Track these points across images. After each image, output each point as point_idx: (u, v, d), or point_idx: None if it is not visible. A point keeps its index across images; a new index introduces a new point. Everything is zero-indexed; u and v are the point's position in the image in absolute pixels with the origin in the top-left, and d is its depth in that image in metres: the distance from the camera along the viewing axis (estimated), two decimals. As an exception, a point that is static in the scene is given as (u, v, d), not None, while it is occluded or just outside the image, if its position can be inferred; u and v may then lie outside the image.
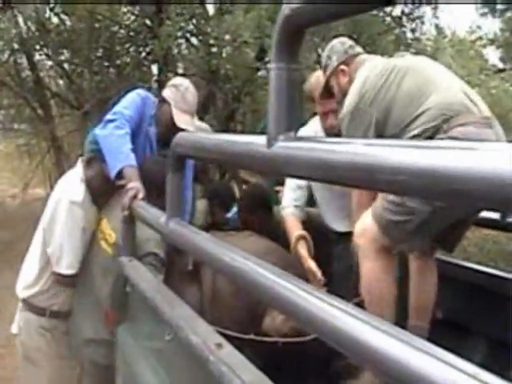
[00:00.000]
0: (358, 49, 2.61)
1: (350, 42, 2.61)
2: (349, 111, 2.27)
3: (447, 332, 2.34)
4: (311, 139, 1.18)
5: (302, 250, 2.79)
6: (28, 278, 2.83)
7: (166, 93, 2.90)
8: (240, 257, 1.40)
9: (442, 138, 1.96)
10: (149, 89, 2.92)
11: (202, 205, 3.47)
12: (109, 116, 2.75)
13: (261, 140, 1.24)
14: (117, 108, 2.79)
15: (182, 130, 2.70)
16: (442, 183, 0.79)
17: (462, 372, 0.76)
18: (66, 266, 2.71)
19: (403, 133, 2.09)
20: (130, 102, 2.84)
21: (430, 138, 1.99)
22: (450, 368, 0.78)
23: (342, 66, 2.54)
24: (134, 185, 2.44)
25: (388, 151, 0.93)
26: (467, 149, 0.81)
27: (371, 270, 2.13)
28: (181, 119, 2.81)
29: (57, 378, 2.81)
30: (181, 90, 2.88)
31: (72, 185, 2.78)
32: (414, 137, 2.03)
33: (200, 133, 2.69)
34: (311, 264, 2.72)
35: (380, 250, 2.12)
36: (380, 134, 2.17)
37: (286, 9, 1.13)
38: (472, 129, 1.97)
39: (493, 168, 0.71)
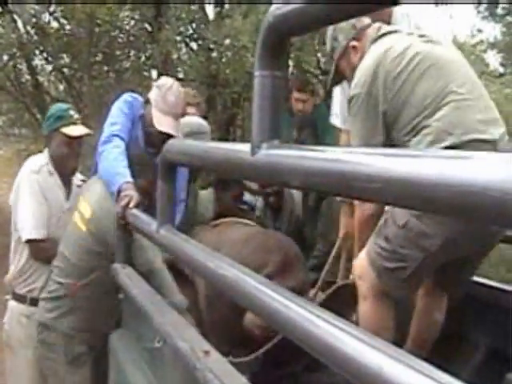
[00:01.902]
0: (367, 20, 2.26)
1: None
2: (356, 95, 2.03)
3: (447, 343, 2.32)
4: (294, 147, 1.17)
5: None
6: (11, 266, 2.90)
7: (151, 93, 2.83)
8: (225, 264, 1.41)
9: None
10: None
11: (208, 195, 3.47)
12: (103, 137, 2.71)
13: (245, 148, 1.23)
14: (106, 127, 2.75)
15: (165, 132, 2.68)
16: (415, 191, 0.78)
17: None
18: (31, 229, 2.75)
19: (411, 138, 1.94)
20: (116, 114, 2.79)
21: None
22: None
23: (353, 42, 2.24)
24: (127, 193, 2.42)
25: (368, 159, 0.92)
26: (441, 157, 0.80)
27: (369, 314, 2.05)
28: (161, 121, 2.71)
29: (35, 366, 2.80)
30: (162, 91, 2.78)
31: (31, 160, 2.93)
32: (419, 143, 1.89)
33: (189, 140, 2.66)
34: None
35: (378, 294, 2.02)
36: (388, 130, 2.00)
37: (269, 16, 1.12)
38: None
39: (464, 176, 0.70)
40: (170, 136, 2.65)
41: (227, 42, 8.24)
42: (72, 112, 2.77)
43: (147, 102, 2.82)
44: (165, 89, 2.78)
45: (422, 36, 2.08)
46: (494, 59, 15.31)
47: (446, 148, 1.81)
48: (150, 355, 2.12)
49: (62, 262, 2.62)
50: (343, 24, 2.23)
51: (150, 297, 2.14)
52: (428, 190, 0.75)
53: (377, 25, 2.23)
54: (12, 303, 2.90)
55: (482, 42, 14.63)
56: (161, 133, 2.67)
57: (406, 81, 1.93)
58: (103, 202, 2.53)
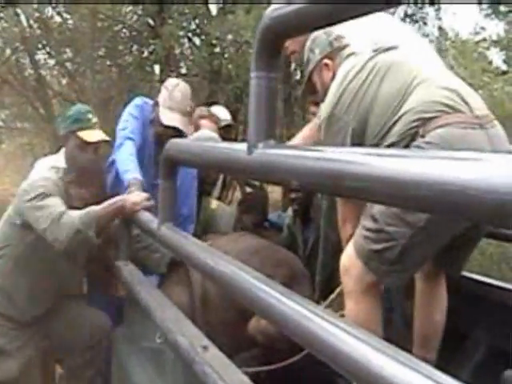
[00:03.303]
0: (346, 40, 2.29)
1: (337, 33, 2.28)
2: (324, 118, 2.05)
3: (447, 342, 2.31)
4: (289, 147, 1.20)
5: None
6: None
7: (159, 95, 2.93)
8: (224, 261, 1.43)
9: (418, 145, 1.76)
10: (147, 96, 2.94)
11: (231, 210, 3.55)
12: (117, 141, 2.80)
13: (242, 147, 1.26)
14: (118, 132, 2.83)
15: (174, 128, 2.76)
16: (401, 189, 0.81)
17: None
18: None
19: (381, 143, 1.90)
20: (126, 118, 2.87)
21: (408, 145, 1.81)
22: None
23: (326, 60, 2.27)
24: (138, 192, 2.49)
25: (361, 158, 0.94)
26: (429, 157, 0.83)
27: (355, 312, 1.96)
28: (167, 117, 2.81)
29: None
30: (169, 89, 2.89)
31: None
32: (392, 144, 1.85)
33: (190, 139, 2.70)
34: None
35: (365, 290, 1.94)
36: (359, 144, 1.95)
37: (266, 17, 1.14)
38: (454, 130, 1.75)
39: (446, 176, 0.73)
40: (179, 133, 2.75)
41: (230, 37, 8.26)
42: (90, 116, 2.72)
43: (156, 104, 2.90)
44: (171, 87, 2.89)
45: (379, 48, 2.09)
46: (496, 57, 15.25)
47: (417, 121, 1.79)
48: (151, 351, 2.16)
49: None
50: (322, 38, 2.29)
51: (151, 293, 2.17)
52: (412, 188, 0.78)
53: (352, 48, 2.25)
54: None
55: (484, 39, 14.57)
56: (168, 128, 2.76)
57: (367, 91, 1.94)
58: (31, 176, 2.57)
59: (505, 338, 2.18)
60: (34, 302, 2.58)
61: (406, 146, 1.81)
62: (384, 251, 1.85)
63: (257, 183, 4.04)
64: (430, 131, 1.75)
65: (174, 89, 2.88)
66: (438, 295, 2.24)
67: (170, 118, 2.81)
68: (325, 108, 2.06)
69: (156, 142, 2.93)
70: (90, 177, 2.64)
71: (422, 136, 1.76)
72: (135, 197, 2.45)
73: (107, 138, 2.67)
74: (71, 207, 2.42)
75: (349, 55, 2.21)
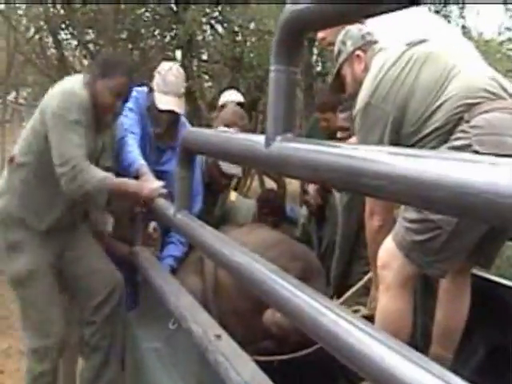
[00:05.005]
0: (377, 37, 2.35)
1: (367, 29, 2.36)
2: (360, 108, 2.07)
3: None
4: (307, 141, 1.21)
5: None
6: None
7: (153, 82, 2.97)
8: (240, 252, 1.45)
9: (463, 130, 1.79)
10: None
11: (249, 205, 3.59)
12: (118, 139, 2.83)
13: (260, 139, 1.27)
14: (119, 127, 2.86)
15: (170, 111, 2.85)
16: (417, 189, 0.82)
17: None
18: None
19: (422, 129, 1.92)
20: (125, 114, 2.89)
21: (452, 130, 1.84)
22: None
23: (358, 52, 2.32)
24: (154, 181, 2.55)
25: (377, 156, 0.95)
26: (447, 159, 0.83)
27: (391, 307, 1.97)
28: (162, 100, 2.86)
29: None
30: (162, 74, 2.94)
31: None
32: (435, 130, 1.88)
33: (207, 130, 2.72)
34: None
35: (404, 284, 1.95)
36: (397, 132, 1.99)
37: (287, 11, 1.15)
38: (498, 115, 1.78)
39: (462, 178, 0.74)
40: (175, 116, 2.89)
41: (252, 25, 8.22)
42: None
43: (151, 90, 2.96)
44: (164, 71, 2.94)
45: (412, 42, 2.12)
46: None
47: (462, 106, 1.83)
48: (165, 336, 2.18)
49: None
50: (355, 31, 2.36)
51: (166, 280, 2.20)
52: (429, 189, 0.79)
53: (383, 44, 2.29)
54: None
55: (509, 39, 14.39)
56: (163, 111, 2.84)
57: (405, 80, 1.97)
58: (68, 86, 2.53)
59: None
60: (49, 212, 2.59)
61: (450, 131, 1.85)
62: (428, 241, 1.87)
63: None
64: (474, 116, 1.79)
65: (167, 73, 2.93)
66: (463, 294, 2.24)
67: (165, 102, 2.86)
68: (360, 100, 2.08)
69: (154, 125, 2.99)
70: None
71: (467, 121, 1.80)
72: (152, 184, 2.47)
73: None
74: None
75: (381, 49, 2.25)
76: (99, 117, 2.53)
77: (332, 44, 2.74)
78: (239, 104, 4.55)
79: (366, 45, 2.33)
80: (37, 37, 9.83)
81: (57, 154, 2.37)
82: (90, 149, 2.46)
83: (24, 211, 2.56)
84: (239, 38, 8.81)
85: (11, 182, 2.59)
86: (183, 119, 3.12)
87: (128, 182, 2.51)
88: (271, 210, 3.42)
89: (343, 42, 2.39)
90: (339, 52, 2.41)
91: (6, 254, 2.59)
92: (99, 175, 2.38)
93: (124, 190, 2.48)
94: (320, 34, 2.86)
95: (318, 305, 1.06)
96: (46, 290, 2.59)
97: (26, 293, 2.59)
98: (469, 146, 1.75)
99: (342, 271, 2.97)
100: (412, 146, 1.98)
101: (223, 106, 4.61)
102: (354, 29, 2.37)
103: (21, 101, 20.24)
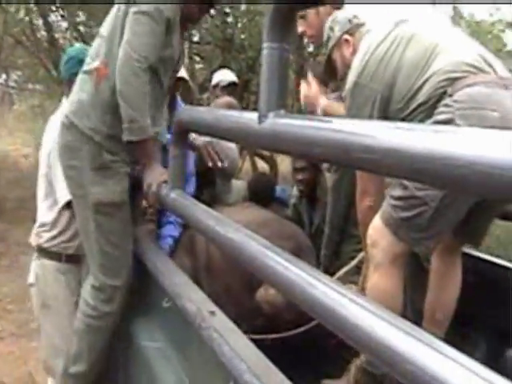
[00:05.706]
0: (364, 20, 2.42)
1: (353, 13, 2.42)
2: (349, 88, 2.10)
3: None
4: (300, 117, 1.22)
5: None
6: (41, 224, 2.76)
7: None
8: (233, 229, 1.46)
9: (447, 104, 1.80)
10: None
11: (241, 185, 3.60)
12: None
13: (252, 116, 1.28)
14: None
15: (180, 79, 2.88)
16: (408, 162, 0.84)
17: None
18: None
19: (409, 105, 1.94)
20: None
21: (436, 104, 1.86)
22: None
23: (346, 36, 2.41)
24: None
25: (369, 131, 0.96)
26: (439, 131, 0.85)
27: (380, 283, 1.99)
28: None
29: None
30: None
31: (55, 122, 2.64)
32: (419, 106, 1.90)
33: (200, 107, 2.72)
34: None
35: (393, 261, 1.96)
36: (385, 110, 2.01)
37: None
38: (481, 89, 1.78)
39: (452, 150, 0.76)
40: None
41: (243, 7, 8.17)
42: None
43: None
44: None
45: (398, 21, 2.14)
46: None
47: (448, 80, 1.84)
48: (159, 315, 2.19)
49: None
50: (341, 16, 2.43)
51: (160, 259, 2.21)
52: (421, 162, 0.81)
53: (370, 26, 2.35)
54: (44, 261, 2.77)
55: (500, 20, 14.34)
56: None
57: (391, 58, 1.99)
58: None
59: (508, 318, 2.21)
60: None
61: (434, 106, 1.87)
62: (414, 218, 1.88)
63: (267, 153, 4.05)
64: (457, 90, 1.80)
65: None
66: (454, 273, 2.27)
67: None
68: (349, 81, 2.11)
69: None
70: None
71: (450, 95, 1.81)
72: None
73: None
74: None
75: (368, 31, 2.30)
76: None
77: (313, 37, 2.90)
78: (233, 83, 4.54)
79: (354, 28, 2.41)
80: (27, 19, 9.72)
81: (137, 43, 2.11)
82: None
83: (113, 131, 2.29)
84: (230, 19, 8.77)
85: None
86: (179, 100, 3.11)
87: (155, 163, 2.29)
88: (262, 196, 3.44)
89: (331, 28, 2.46)
90: (328, 38, 2.48)
91: (97, 176, 2.31)
92: (149, 117, 2.15)
93: (145, 158, 2.28)
94: (300, 28, 2.89)
95: (310, 278, 1.08)
96: (125, 221, 2.40)
97: (105, 219, 2.34)
98: (452, 120, 1.76)
99: (332, 251, 3.00)
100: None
101: (216, 87, 4.60)
102: (340, 14, 2.44)
103: (11, 83, 20.10)
